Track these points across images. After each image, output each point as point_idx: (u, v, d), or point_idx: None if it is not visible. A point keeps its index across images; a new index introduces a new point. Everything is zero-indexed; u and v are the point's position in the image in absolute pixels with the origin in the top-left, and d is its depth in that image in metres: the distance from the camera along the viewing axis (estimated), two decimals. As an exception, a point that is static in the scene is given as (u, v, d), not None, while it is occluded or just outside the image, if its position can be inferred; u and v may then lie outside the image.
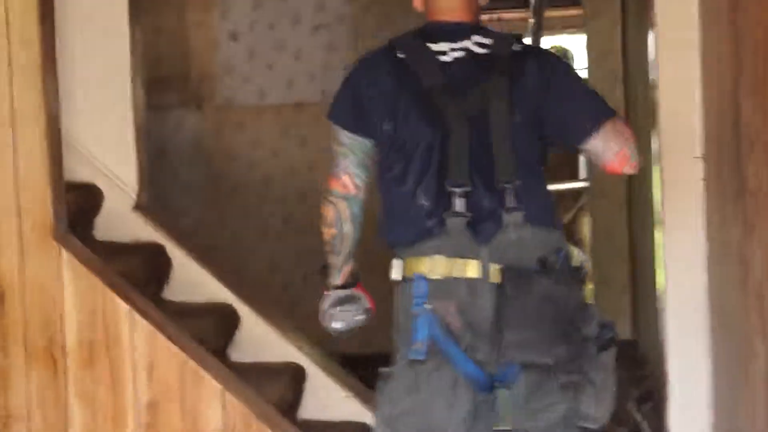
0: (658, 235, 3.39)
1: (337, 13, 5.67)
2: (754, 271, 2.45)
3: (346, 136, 2.32)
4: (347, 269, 2.42)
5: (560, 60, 2.47)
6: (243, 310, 3.76)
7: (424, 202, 2.21)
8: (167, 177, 5.77)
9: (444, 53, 2.27)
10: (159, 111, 5.70)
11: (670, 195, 3.16)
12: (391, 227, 2.28)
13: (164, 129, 5.82)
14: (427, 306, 2.17)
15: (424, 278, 2.17)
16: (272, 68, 5.77)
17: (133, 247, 3.66)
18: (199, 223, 5.83)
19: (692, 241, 3.10)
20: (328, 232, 2.35)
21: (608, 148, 2.22)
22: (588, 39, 5.66)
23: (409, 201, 2.23)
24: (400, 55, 2.28)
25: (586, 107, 2.27)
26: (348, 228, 2.33)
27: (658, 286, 3.45)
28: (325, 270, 2.44)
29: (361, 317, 2.43)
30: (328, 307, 2.43)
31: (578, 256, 2.25)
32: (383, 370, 2.25)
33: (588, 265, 2.27)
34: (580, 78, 2.43)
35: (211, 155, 5.82)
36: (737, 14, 2.55)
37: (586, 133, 2.23)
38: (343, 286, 2.43)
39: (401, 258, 2.22)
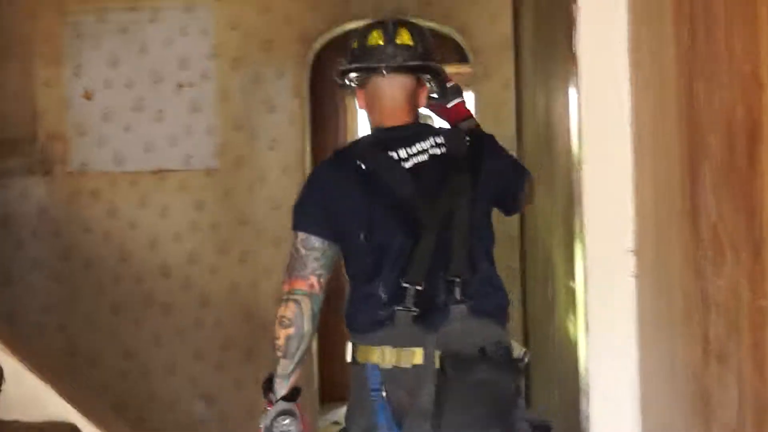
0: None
1: (201, 70, 5.20)
2: (724, 411, 1.73)
3: (317, 241, 2.41)
4: (294, 378, 2.45)
5: (493, 139, 2.60)
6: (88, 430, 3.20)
7: (382, 294, 2.37)
8: (10, 250, 5.20)
9: (406, 160, 2.42)
10: (1, 177, 5.14)
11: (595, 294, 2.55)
12: (351, 314, 2.43)
13: (7, 196, 5.23)
14: (383, 394, 2.35)
15: (377, 368, 2.34)
16: (130, 130, 5.25)
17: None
18: (48, 302, 5.25)
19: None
20: (284, 334, 2.39)
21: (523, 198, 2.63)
22: (478, 98, 5.32)
23: (370, 293, 2.39)
24: (364, 166, 2.42)
25: (517, 178, 2.57)
26: (308, 326, 2.40)
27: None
28: (269, 383, 2.44)
29: None
30: (271, 423, 2.40)
31: (518, 348, 2.40)
32: None
33: (527, 358, 2.38)
34: (504, 149, 2.63)
35: (62, 226, 5.25)
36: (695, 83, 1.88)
37: (518, 198, 2.57)
38: (286, 398, 2.44)
39: (355, 343, 2.39)
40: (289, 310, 2.36)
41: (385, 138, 2.46)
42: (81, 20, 5.23)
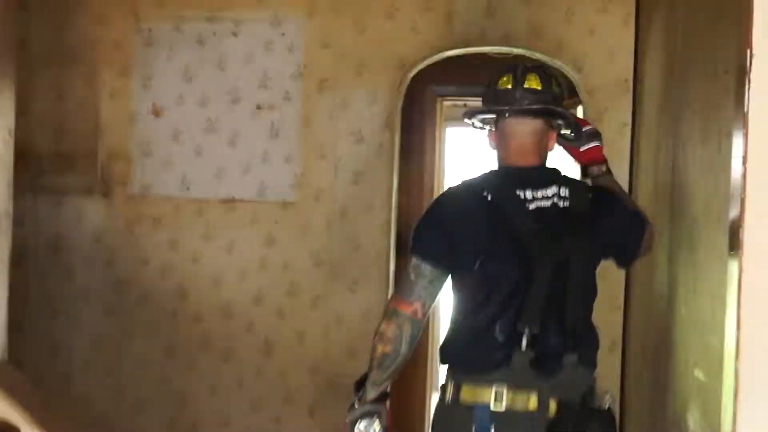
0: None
1: (284, 91, 4.69)
2: None
3: (429, 270, 2.52)
4: (384, 387, 2.63)
5: (615, 197, 2.81)
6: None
7: (498, 336, 2.48)
8: (60, 277, 4.70)
9: (531, 201, 2.54)
10: (54, 195, 4.65)
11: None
12: (458, 351, 2.55)
13: (61, 217, 4.74)
14: None
15: (488, 408, 2.43)
16: (200, 154, 4.74)
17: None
18: (97, 338, 4.74)
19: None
20: (381, 350, 2.56)
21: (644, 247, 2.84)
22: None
23: (483, 332, 2.50)
24: (490, 198, 2.54)
25: (635, 230, 2.79)
26: (405, 349, 2.54)
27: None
28: (361, 383, 2.67)
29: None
30: (355, 420, 2.61)
31: (602, 394, 2.56)
32: None
33: (613, 406, 2.57)
34: (622, 200, 2.86)
35: (117, 255, 4.74)
36: None
37: (633, 251, 2.80)
38: (374, 401, 2.62)
39: (460, 383, 2.49)
40: (390, 330, 2.55)
41: (513, 176, 2.62)
42: (155, 28, 4.73)
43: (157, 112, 4.74)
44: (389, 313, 2.56)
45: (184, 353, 4.78)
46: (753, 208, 1.81)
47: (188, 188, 4.74)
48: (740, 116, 1.90)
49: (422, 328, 2.56)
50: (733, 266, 2.00)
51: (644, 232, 2.79)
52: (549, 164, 2.70)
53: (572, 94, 4.72)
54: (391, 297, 2.64)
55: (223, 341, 4.78)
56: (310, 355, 4.77)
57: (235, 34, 4.75)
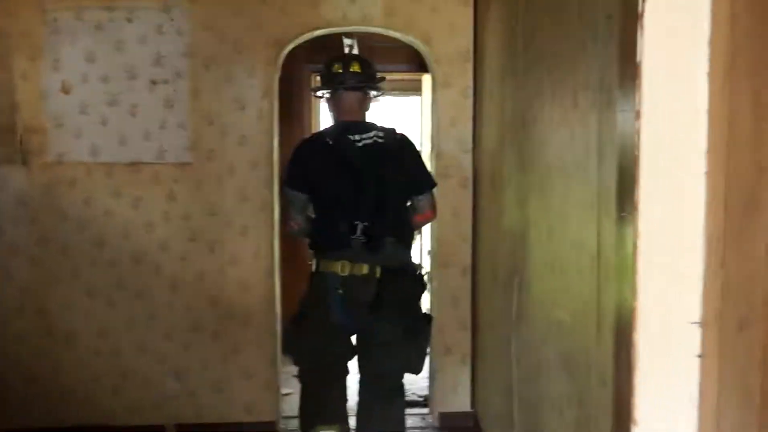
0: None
1: (174, 68, 5.44)
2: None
3: (295, 194, 3.81)
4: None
5: (414, 144, 3.92)
6: None
7: (341, 228, 3.66)
8: (-10, 236, 5.42)
9: (359, 141, 3.70)
10: (-19, 168, 5.35)
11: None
12: (318, 239, 3.72)
13: (-13, 184, 5.45)
14: (340, 291, 3.63)
15: (337, 274, 3.63)
16: (106, 124, 5.48)
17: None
18: (26, 285, 5.51)
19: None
20: (296, 227, 3.97)
21: (429, 203, 3.93)
22: (438, 104, 5.62)
23: (332, 226, 3.67)
24: (330, 141, 3.74)
25: (425, 176, 3.94)
26: (301, 235, 4.04)
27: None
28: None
29: None
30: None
31: (423, 267, 3.83)
32: (296, 317, 3.81)
33: (426, 273, 3.83)
34: (420, 156, 3.96)
35: (39, 214, 5.48)
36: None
37: (421, 191, 3.88)
38: None
39: (319, 259, 3.70)
40: (289, 231, 4.04)
41: (345, 127, 3.79)
42: (60, 17, 5.40)
43: (66, 90, 5.45)
44: (286, 227, 4.00)
45: (103, 294, 5.59)
46: (648, 167, 1.55)
47: (97, 154, 5.50)
48: (629, 68, 1.73)
49: (303, 229, 3.88)
50: (625, 227, 1.99)
51: (430, 184, 3.99)
52: (368, 119, 3.93)
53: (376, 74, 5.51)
54: (285, 219, 3.99)
55: (136, 282, 5.59)
56: (210, 291, 5.63)
57: (130, 21, 5.45)
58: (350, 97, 3.86)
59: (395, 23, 5.46)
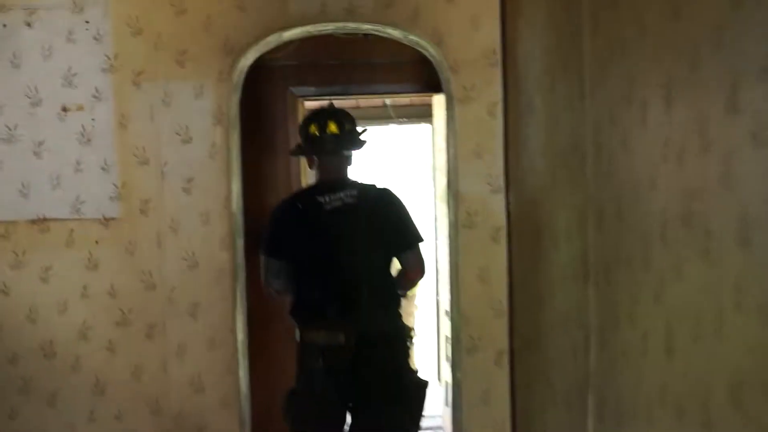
0: None
1: (92, 89, 4.01)
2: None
3: (272, 261, 3.67)
4: None
5: (396, 196, 3.73)
6: None
7: (316, 296, 3.61)
8: None
9: (327, 204, 3.62)
10: None
11: None
12: (295, 306, 3.68)
13: None
14: (320, 361, 3.59)
15: (316, 344, 3.58)
16: (1, 168, 4.05)
17: None
18: None
19: None
20: (274, 294, 3.83)
21: (415, 261, 3.74)
22: (458, 123, 4.16)
23: (307, 292, 3.64)
24: (300, 206, 3.67)
25: (408, 232, 3.72)
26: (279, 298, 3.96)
27: None
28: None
29: None
30: None
31: (409, 331, 3.71)
32: (293, 389, 3.71)
33: (414, 336, 3.75)
34: (405, 209, 3.75)
35: None
36: None
37: (403, 249, 3.71)
38: None
39: (301, 329, 3.64)
40: (267, 295, 3.80)
41: (317, 188, 3.69)
42: (-69, 22, 3.98)
43: (-57, 123, 4.00)
44: (264, 291, 3.77)
45: (1, 401, 4.10)
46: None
47: (-12, 210, 4.04)
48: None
49: (281, 293, 3.72)
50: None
51: (415, 246, 3.70)
52: (348, 175, 3.73)
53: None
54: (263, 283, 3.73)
55: (47, 383, 4.11)
56: (149, 394, 4.13)
57: (29, 25, 4.02)
58: (328, 161, 3.71)
59: (394, 17, 4.08)
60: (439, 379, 6.00)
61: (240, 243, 4.24)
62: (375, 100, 6.66)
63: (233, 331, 4.16)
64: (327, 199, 3.60)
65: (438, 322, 6.20)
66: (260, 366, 4.58)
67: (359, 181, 3.70)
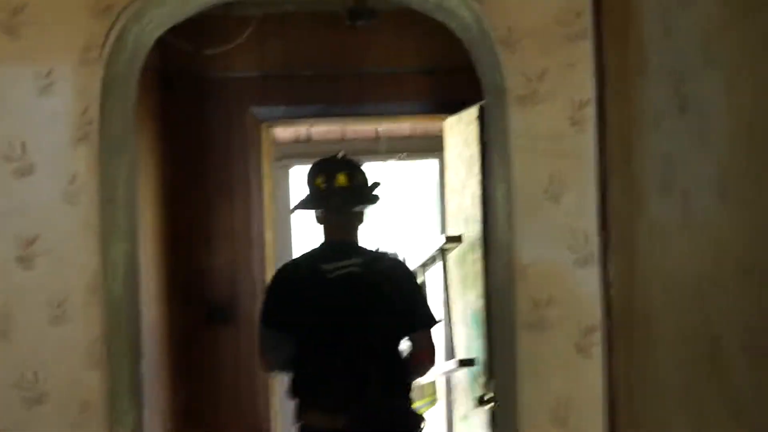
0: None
1: None
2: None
3: (270, 333, 3.50)
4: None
5: (409, 270, 3.72)
6: None
7: (314, 375, 3.42)
8: None
9: (330, 272, 3.44)
10: None
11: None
12: (295, 392, 3.48)
13: None
14: None
15: (315, 426, 3.37)
16: None
17: None
18: None
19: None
20: (268, 370, 3.93)
21: (423, 344, 3.55)
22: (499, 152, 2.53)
23: (305, 370, 3.44)
24: (299, 275, 3.51)
25: (418, 311, 3.55)
26: (274, 374, 4.35)
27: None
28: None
29: None
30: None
31: (420, 421, 3.48)
32: None
33: (425, 427, 3.53)
34: (417, 285, 3.81)
35: None
36: None
37: (413, 329, 3.53)
38: None
39: (300, 410, 3.40)
40: (262, 369, 3.96)
41: (322, 253, 3.57)
42: None
43: None
44: (259, 363, 3.81)
45: None
46: None
47: None
48: None
49: (279, 369, 3.67)
50: None
51: (426, 325, 3.51)
52: (358, 237, 3.61)
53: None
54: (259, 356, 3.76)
55: None
56: None
57: None
58: (336, 219, 3.56)
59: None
60: None
61: (130, 354, 2.48)
62: (365, 130, 6.31)
63: None
64: (332, 266, 3.54)
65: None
66: None
67: (369, 248, 3.67)
